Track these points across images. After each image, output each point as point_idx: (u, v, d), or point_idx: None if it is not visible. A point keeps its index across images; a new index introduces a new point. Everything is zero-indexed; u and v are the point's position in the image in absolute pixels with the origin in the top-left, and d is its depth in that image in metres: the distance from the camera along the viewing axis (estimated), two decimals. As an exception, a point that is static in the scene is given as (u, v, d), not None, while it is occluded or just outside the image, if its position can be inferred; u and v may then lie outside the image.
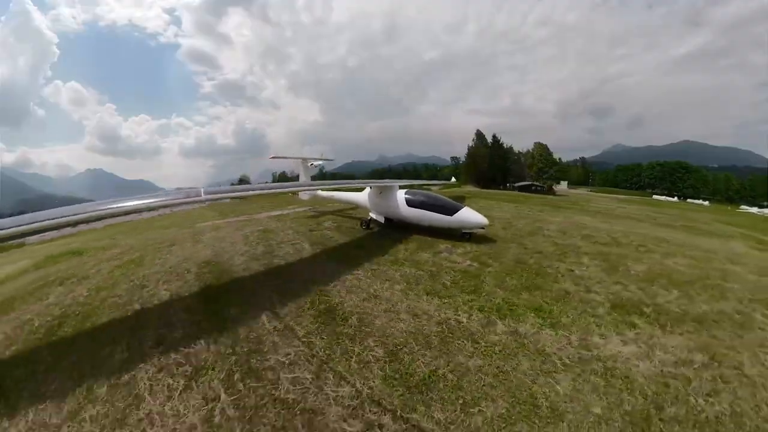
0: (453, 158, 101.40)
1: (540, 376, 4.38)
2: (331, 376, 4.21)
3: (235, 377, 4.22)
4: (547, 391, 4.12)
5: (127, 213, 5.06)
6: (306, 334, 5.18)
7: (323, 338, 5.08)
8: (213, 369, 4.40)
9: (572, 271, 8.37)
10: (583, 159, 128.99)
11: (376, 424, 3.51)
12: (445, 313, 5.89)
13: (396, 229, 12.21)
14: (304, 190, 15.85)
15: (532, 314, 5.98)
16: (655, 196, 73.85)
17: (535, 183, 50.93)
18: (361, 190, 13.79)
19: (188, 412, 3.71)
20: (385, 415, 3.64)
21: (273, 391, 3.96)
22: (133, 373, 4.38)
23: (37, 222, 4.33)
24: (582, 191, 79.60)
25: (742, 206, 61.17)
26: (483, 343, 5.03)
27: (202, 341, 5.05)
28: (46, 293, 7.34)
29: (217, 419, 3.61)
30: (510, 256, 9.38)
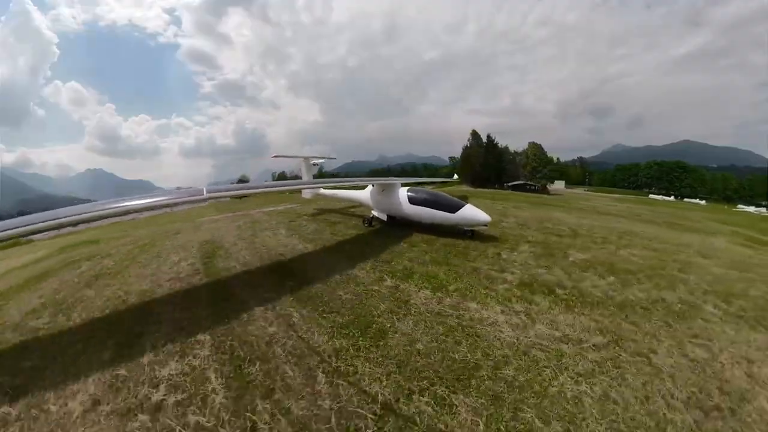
0: (451, 158, 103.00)
1: (388, 313, 5.68)
2: (262, 290, 6.88)
3: (215, 290, 7.12)
4: (385, 321, 5.39)
5: (131, 212, 5.72)
6: (259, 272, 8.13)
7: (266, 274, 8.00)
8: (202, 287, 7.29)
9: (499, 254, 9.18)
10: (581, 159, 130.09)
11: (269, 309, 6.03)
12: (351, 270, 7.96)
13: (397, 227, 12.55)
14: (306, 188, 16.38)
15: (423, 279, 7.21)
16: (651, 196, 74.99)
17: (528, 182, 52.56)
18: (363, 188, 14.06)
19: (183, 302, 6.56)
20: (274, 308, 6.09)
21: (231, 292, 6.87)
22: (152, 293, 7.00)
23: (43, 222, 4.59)
24: (579, 191, 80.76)
25: (740, 205, 62.10)
26: (362, 288, 6.82)
27: (198, 277, 7.82)
28: (77, 266, 9.48)
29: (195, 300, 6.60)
30: (443, 240, 10.56)
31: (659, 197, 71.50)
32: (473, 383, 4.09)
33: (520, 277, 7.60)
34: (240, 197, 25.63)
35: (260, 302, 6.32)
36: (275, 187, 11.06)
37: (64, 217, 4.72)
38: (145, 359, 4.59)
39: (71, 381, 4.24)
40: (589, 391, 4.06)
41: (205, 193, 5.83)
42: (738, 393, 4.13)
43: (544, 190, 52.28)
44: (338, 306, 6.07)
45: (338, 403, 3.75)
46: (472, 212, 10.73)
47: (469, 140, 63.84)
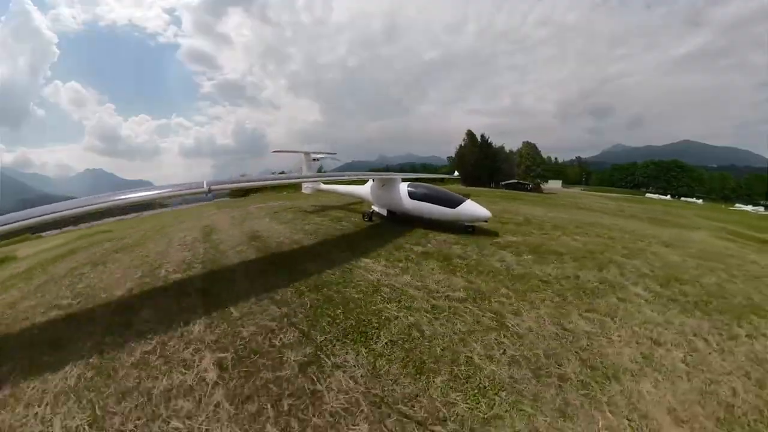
0: (449, 158, 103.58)
1: (303, 256, 8.56)
2: (238, 247, 9.72)
3: (209, 248, 9.82)
4: (300, 259, 8.23)
5: (135, 204, 5.82)
6: (239, 240, 10.64)
7: (243, 240, 10.50)
8: (200, 247, 9.94)
9: (426, 234, 10.50)
10: (579, 158, 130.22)
11: (238, 252, 9.23)
12: (297, 237, 10.68)
13: (397, 222, 12.73)
14: (306, 181, 16.55)
15: (343, 243, 9.86)
16: (648, 195, 75.00)
17: (521, 181, 53.04)
18: (363, 182, 14.10)
19: (187, 253, 9.26)
20: (241, 252, 9.21)
21: (219, 248, 9.68)
22: (166, 251, 9.65)
23: (54, 213, 4.78)
24: (576, 190, 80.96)
25: (737, 204, 62.17)
26: (299, 245, 9.66)
27: (199, 243, 10.54)
28: (101, 244, 11.70)
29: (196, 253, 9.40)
30: (387, 225, 12.33)
31: (656, 196, 71.53)
32: (323, 290, 6.17)
33: (428, 249, 8.71)
34: (242, 192, 25.75)
35: (234, 251, 9.30)
36: (275, 180, 11.30)
37: (74, 208, 4.98)
38: (160, 275, 7.43)
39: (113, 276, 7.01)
40: (401, 317, 5.02)
41: (205, 185, 5.99)
42: (610, 370, 3.93)
43: (537, 189, 52.68)
44: (278, 250, 9.18)
45: (256, 292, 6.31)
46: (472, 208, 10.79)
47: (464, 140, 64.49)
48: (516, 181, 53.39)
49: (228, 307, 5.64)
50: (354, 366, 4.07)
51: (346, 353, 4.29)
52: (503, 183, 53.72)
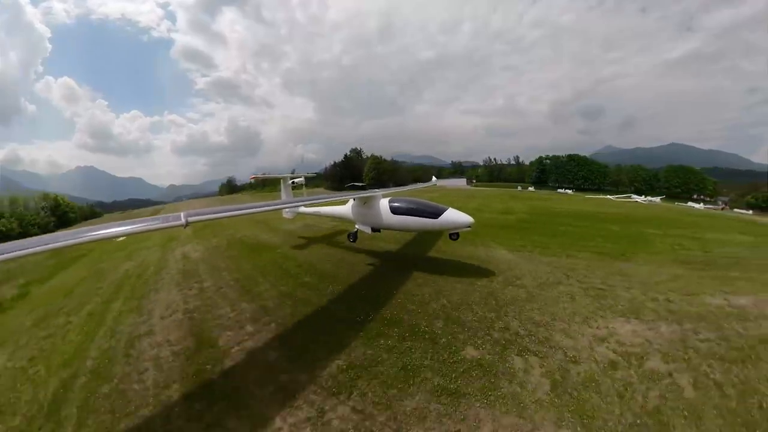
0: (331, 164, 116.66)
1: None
2: (250, 252, 20.50)
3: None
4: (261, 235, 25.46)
5: (114, 237, 6.27)
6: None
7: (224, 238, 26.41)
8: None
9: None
10: (516, 158, 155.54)
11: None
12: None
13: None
14: (286, 208, 18.48)
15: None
16: (519, 187, 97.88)
17: (354, 183, 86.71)
18: (344, 202, 15.40)
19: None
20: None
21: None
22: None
23: (30, 248, 5.33)
24: (472, 187, 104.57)
25: (633, 196, 74.26)
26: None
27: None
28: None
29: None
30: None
31: (519, 188, 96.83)
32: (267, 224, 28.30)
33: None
34: (230, 191, 45.72)
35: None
36: (255, 208, 11.60)
37: (61, 241, 5.81)
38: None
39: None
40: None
41: (182, 218, 6.69)
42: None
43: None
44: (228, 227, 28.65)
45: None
46: (454, 216, 12.25)
47: (345, 155, 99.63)
48: (353, 183, 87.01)
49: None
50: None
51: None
52: (347, 185, 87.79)
